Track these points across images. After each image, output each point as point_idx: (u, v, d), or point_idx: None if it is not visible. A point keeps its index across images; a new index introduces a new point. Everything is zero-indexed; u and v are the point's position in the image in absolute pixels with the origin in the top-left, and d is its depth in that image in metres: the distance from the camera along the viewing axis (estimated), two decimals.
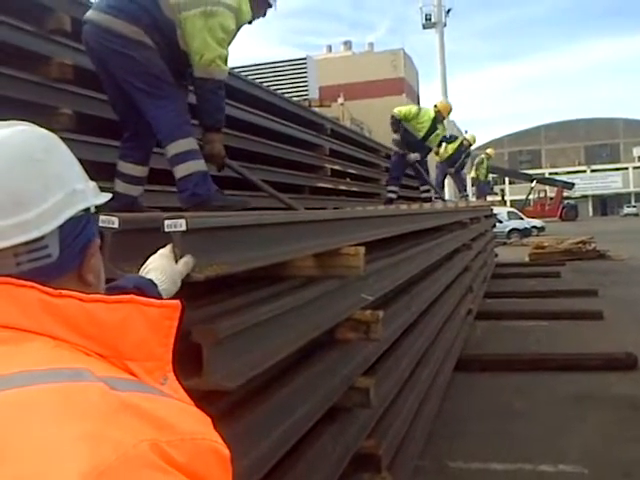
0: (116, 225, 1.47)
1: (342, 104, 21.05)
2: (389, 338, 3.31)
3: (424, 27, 28.82)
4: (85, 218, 0.86)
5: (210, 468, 0.63)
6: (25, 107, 3.15)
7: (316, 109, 9.37)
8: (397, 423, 3.43)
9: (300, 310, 2.03)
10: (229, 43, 3.10)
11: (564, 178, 45.07)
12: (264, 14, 3.36)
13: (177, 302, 0.84)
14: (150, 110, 2.91)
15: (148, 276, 1.29)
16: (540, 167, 61.27)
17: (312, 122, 7.46)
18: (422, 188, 9.38)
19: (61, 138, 3.00)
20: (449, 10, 28.45)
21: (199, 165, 2.91)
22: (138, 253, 1.49)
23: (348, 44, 35.98)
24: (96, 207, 0.91)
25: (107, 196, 0.94)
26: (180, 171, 2.89)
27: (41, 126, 2.91)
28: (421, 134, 8.64)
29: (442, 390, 5.29)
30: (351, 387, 2.51)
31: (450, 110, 9.25)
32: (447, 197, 15.11)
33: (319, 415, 2.16)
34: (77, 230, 0.84)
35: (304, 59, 19.81)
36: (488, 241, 12.21)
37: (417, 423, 4.01)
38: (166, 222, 1.37)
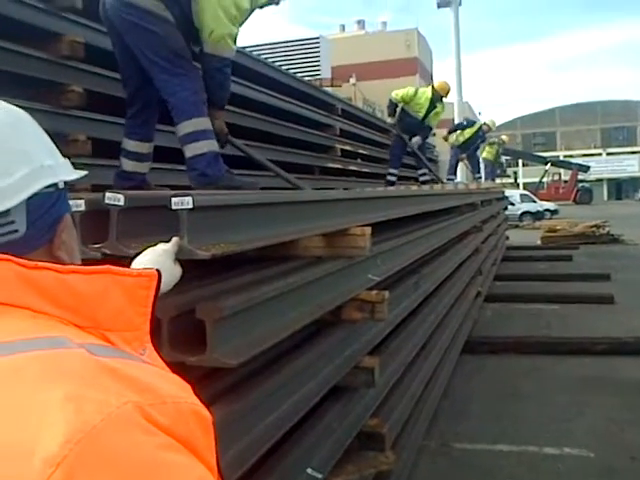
0: (122, 202, 1.49)
1: (354, 84, 20.92)
2: (396, 318, 3.32)
3: (439, 6, 28.15)
4: (56, 194, 0.85)
5: (192, 430, 0.63)
6: (37, 84, 3.16)
7: (328, 89, 9.34)
8: (402, 403, 3.46)
9: (305, 289, 2.04)
10: (241, 23, 3.08)
11: (579, 161, 44.61)
12: (277, 2, 3.32)
13: (153, 271, 0.83)
14: (168, 87, 2.88)
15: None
16: (555, 150, 60.59)
17: (323, 102, 7.43)
18: (420, 172, 9.28)
19: (71, 115, 2.98)
20: None
21: (212, 145, 2.90)
22: (145, 231, 1.51)
23: (361, 23, 35.55)
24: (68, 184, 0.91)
25: (80, 173, 0.93)
26: (192, 150, 2.87)
27: (52, 103, 2.88)
28: (421, 115, 8.64)
29: (449, 371, 5.31)
30: (356, 366, 2.52)
31: (448, 90, 9.14)
32: (459, 179, 15.04)
33: (324, 393, 2.18)
34: (46, 206, 0.83)
35: (317, 38, 19.66)
36: (499, 224, 12.15)
37: (422, 403, 4.04)
38: (173, 200, 1.38)
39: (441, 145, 15.46)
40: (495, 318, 8.14)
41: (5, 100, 0.86)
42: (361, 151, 8.84)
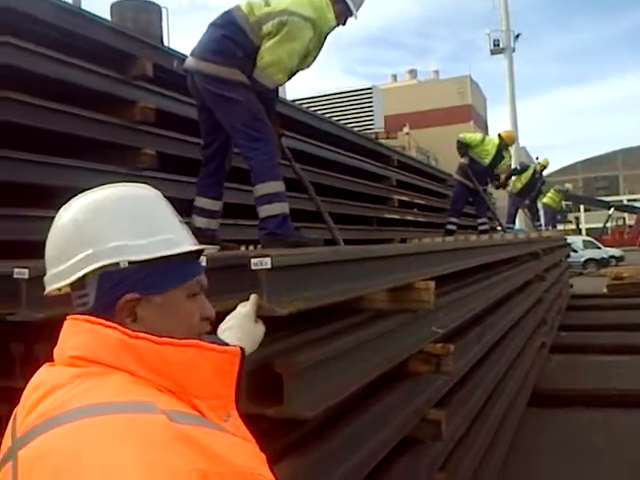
0: (204, 264, 1.58)
1: (408, 133, 21.06)
2: (461, 370, 3.30)
3: (492, 53, 28.25)
4: (124, 272, 0.91)
5: None
6: (112, 148, 3.38)
7: (383, 141, 9.49)
8: (468, 457, 3.40)
9: (374, 343, 2.09)
10: (311, 52, 3.19)
11: None
12: (344, 23, 3.38)
13: (237, 349, 0.92)
14: (247, 151, 3.10)
15: (224, 335, 1.31)
16: (618, 194, 59.11)
17: (380, 154, 7.57)
18: (479, 221, 9.11)
19: (144, 177, 3.20)
20: (518, 35, 27.69)
21: (283, 207, 3.06)
22: (219, 289, 1.59)
23: (413, 72, 36.01)
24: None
25: (156, 253, 0.94)
26: (265, 211, 3.03)
27: (127, 166, 3.07)
28: (487, 161, 8.63)
29: (514, 424, 5.17)
30: (423, 419, 2.52)
31: (514, 140, 9.29)
32: (517, 226, 14.83)
33: (392, 446, 2.19)
34: (110, 283, 0.91)
35: (370, 89, 19.98)
36: (562, 272, 11.87)
37: (489, 457, 3.95)
38: (252, 260, 1.47)
39: (496, 192, 15.33)
40: (562, 370, 7.88)
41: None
42: (418, 201, 8.89)
